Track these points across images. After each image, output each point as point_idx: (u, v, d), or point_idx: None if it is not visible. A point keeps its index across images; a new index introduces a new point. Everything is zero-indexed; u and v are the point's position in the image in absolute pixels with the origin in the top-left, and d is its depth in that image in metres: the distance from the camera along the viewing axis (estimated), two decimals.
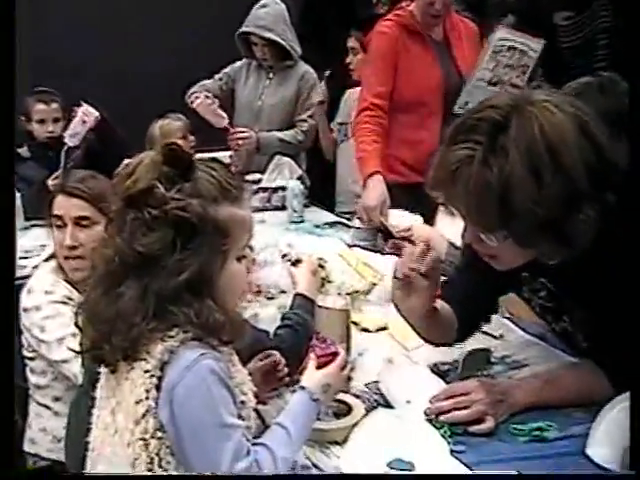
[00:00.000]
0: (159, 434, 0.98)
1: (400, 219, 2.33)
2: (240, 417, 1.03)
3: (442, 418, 1.29)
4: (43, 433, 1.78)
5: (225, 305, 1.03)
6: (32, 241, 2.35)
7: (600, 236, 1.12)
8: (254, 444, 1.03)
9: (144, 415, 0.98)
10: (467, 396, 1.30)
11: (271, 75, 3.23)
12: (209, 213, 1.00)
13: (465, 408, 1.29)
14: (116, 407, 1.03)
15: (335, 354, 1.22)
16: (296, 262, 1.78)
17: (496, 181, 1.06)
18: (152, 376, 0.98)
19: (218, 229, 1.01)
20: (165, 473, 0.98)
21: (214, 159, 1.09)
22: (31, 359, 1.78)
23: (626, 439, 1.07)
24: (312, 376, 1.17)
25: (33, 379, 1.80)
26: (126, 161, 1.06)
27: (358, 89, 3.01)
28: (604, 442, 1.19)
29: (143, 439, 0.98)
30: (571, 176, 1.05)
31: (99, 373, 1.11)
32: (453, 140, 1.12)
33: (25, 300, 1.72)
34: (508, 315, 1.81)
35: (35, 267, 1.88)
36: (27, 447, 1.79)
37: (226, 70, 3.30)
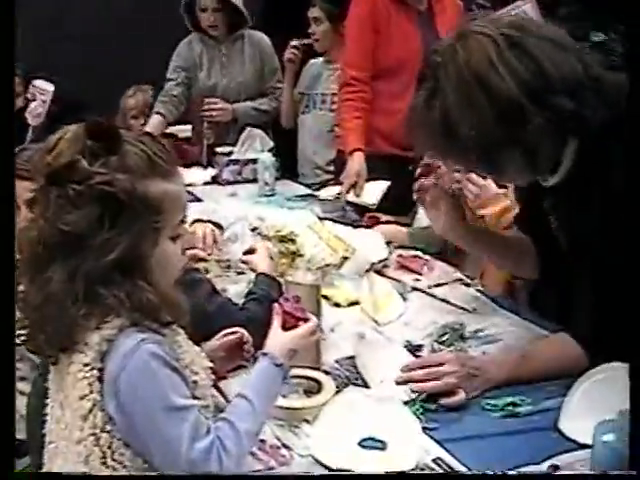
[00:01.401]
0: (108, 427, 0.95)
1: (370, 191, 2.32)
2: (195, 398, 1.00)
3: (413, 387, 1.28)
4: None
5: (159, 286, 0.98)
6: None
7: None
8: (215, 420, 1.00)
9: (91, 410, 0.95)
10: (440, 367, 1.29)
11: (223, 50, 3.11)
12: (138, 189, 0.96)
13: (436, 379, 1.28)
14: (64, 401, 1.00)
15: (305, 320, 1.17)
16: (249, 252, 1.76)
17: (439, 120, 1.18)
18: (92, 369, 0.94)
19: (148, 206, 0.97)
20: (120, 465, 0.95)
21: (145, 132, 1.03)
22: None
23: (599, 412, 1.06)
24: (276, 338, 1.12)
25: None
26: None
27: (320, 59, 2.98)
28: (577, 415, 1.18)
29: (93, 434, 0.95)
30: (503, 96, 1.12)
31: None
32: (415, 95, 1.23)
33: None
34: (481, 288, 1.80)
35: None
36: None
37: (175, 64, 3.10)
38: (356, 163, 2.39)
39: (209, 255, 1.87)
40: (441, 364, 1.30)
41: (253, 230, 2.06)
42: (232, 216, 2.15)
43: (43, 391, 1.08)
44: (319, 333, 1.19)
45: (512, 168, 1.20)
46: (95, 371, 0.94)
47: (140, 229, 0.96)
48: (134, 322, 0.96)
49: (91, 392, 0.94)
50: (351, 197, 2.37)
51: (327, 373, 1.39)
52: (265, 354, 1.10)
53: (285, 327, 1.15)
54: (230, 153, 2.95)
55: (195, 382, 1.02)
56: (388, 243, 2.01)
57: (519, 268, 1.57)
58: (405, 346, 1.50)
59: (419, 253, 1.93)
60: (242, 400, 1.04)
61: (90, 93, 3.27)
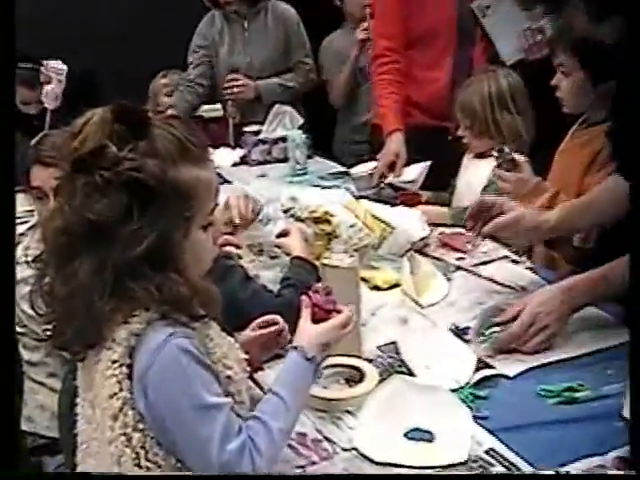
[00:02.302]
0: (140, 426, 0.93)
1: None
2: (228, 394, 0.98)
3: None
4: (40, 410, 1.74)
5: (190, 277, 0.97)
6: (19, 206, 2.28)
7: None
8: (247, 419, 0.98)
9: (121, 408, 0.93)
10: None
11: (245, 25, 3.03)
12: (168, 175, 0.94)
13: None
14: (94, 400, 0.98)
15: (337, 312, 1.14)
16: (283, 234, 1.72)
17: None
18: (121, 365, 0.93)
19: (179, 193, 0.95)
20: (154, 466, 0.93)
21: (174, 116, 1.01)
22: (22, 334, 1.72)
23: None
24: (306, 332, 1.09)
25: (26, 355, 1.74)
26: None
27: None
28: None
29: (124, 434, 0.93)
30: None
31: None
32: None
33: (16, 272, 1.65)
34: (531, 265, 1.74)
35: (21, 234, 1.80)
36: (25, 426, 1.74)
37: (195, 44, 3.05)
38: (394, 143, 2.34)
39: (252, 221, 1.84)
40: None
41: (286, 212, 2.01)
42: (263, 198, 2.12)
43: (73, 389, 1.06)
44: (352, 324, 1.16)
45: None
46: (124, 368, 0.93)
47: (171, 218, 0.94)
48: (164, 315, 0.95)
49: (121, 390, 0.93)
50: (390, 179, 2.32)
51: (369, 361, 1.36)
52: (295, 347, 1.07)
53: (315, 320, 1.12)
54: (258, 132, 2.91)
55: (229, 377, 1.00)
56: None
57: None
58: (450, 329, 1.46)
59: (462, 230, 1.88)
60: (273, 397, 1.01)
61: (109, 77, 3.28)
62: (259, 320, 1.27)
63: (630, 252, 1.13)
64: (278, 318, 1.26)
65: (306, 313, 1.13)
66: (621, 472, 0.98)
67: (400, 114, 2.40)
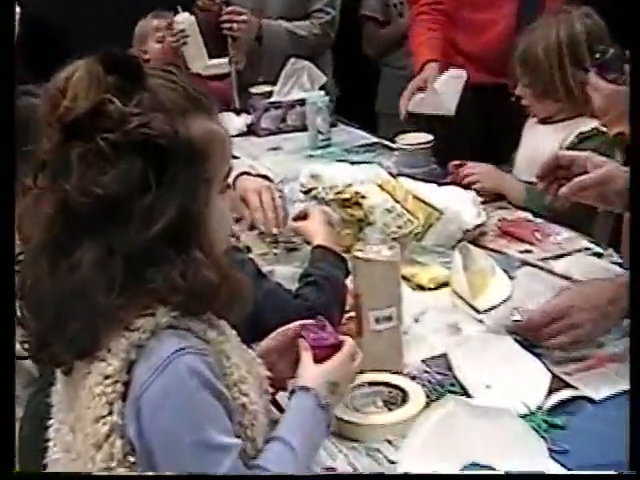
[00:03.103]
0: (130, 459, 0.93)
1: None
2: (240, 426, 0.99)
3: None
4: None
5: (217, 258, 0.98)
6: None
7: None
8: (250, 467, 0.98)
9: (108, 436, 0.93)
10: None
11: None
12: (180, 131, 0.95)
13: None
14: (76, 424, 0.98)
15: (337, 346, 1.18)
16: (300, 217, 1.73)
17: None
18: (115, 382, 0.93)
19: (195, 151, 0.96)
20: None
21: (169, 65, 1.03)
22: None
23: None
24: (310, 374, 1.13)
25: None
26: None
27: None
28: None
29: (108, 468, 0.93)
30: None
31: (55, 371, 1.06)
32: None
33: None
34: (618, 259, 1.74)
35: None
36: None
37: None
38: (427, 71, 2.36)
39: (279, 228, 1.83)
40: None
41: (306, 193, 2.02)
42: (276, 176, 2.12)
43: (43, 413, 1.07)
44: (360, 357, 1.19)
45: None
46: (118, 385, 0.93)
47: (190, 183, 0.95)
48: (184, 312, 0.95)
49: (110, 413, 0.93)
50: (415, 106, 2.32)
51: (413, 378, 1.37)
52: (306, 389, 1.09)
53: (317, 361, 1.16)
54: (270, 94, 2.89)
55: (243, 406, 1.00)
56: (485, 202, 1.95)
57: None
58: (516, 339, 1.46)
59: (528, 215, 1.87)
60: (280, 445, 1.03)
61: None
62: (281, 331, 1.27)
63: (631, 252, 1.16)
64: (288, 328, 1.26)
65: (307, 356, 1.16)
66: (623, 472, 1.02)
67: (437, 47, 2.42)
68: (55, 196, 0.94)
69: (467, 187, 2.02)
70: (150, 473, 0.93)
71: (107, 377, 0.93)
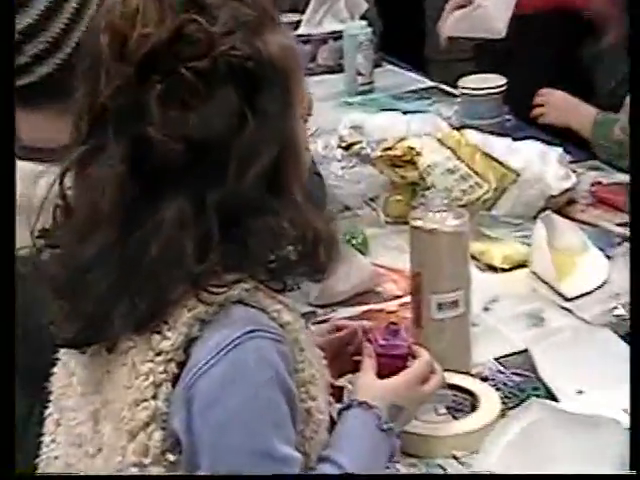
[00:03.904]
0: (170, 458, 0.95)
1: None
2: (302, 437, 1.01)
3: None
4: None
5: (312, 203, 1.02)
6: None
7: None
8: None
9: (147, 424, 0.95)
10: None
11: None
12: (260, 48, 0.97)
13: None
14: (102, 410, 1.00)
15: (407, 357, 1.20)
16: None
17: None
18: (169, 361, 0.95)
19: (277, 72, 0.98)
20: None
21: None
22: None
23: None
24: (372, 387, 1.15)
25: None
26: None
27: None
28: None
29: (140, 465, 0.94)
30: None
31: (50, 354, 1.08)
32: None
33: None
34: None
35: None
36: None
37: None
38: None
39: None
40: None
41: (346, 149, 2.03)
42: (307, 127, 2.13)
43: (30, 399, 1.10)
44: (438, 378, 1.20)
45: None
46: (172, 365, 0.95)
47: (280, 111, 0.98)
48: (275, 278, 0.98)
49: (154, 397, 0.94)
50: (455, 28, 2.35)
51: (484, 379, 1.38)
52: (366, 406, 1.11)
53: (382, 374, 1.18)
54: (297, 24, 2.90)
55: (309, 412, 1.02)
56: (576, 161, 1.95)
57: None
58: (615, 332, 1.47)
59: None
60: (334, 470, 1.04)
61: None
62: (337, 321, 1.33)
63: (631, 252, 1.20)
64: (351, 323, 1.31)
65: (369, 366, 1.18)
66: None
67: None
68: (125, 151, 0.95)
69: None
70: (151, 474, 0.95)
71: (160, 353, 0.95)
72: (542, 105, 2.14)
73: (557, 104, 2.13)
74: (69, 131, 1.08)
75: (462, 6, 2.42)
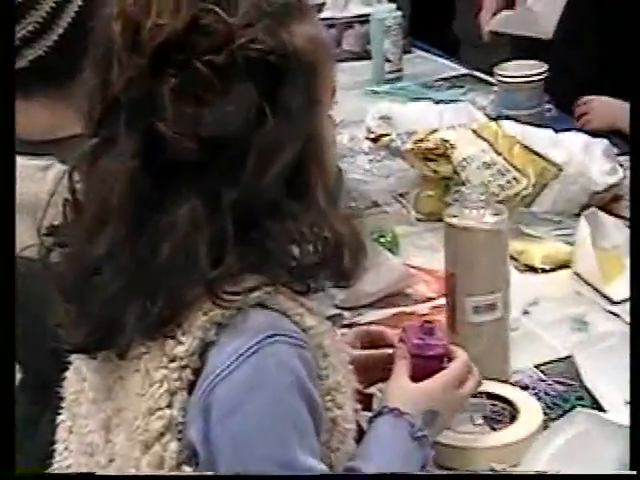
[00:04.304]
0: (186, 469, 0.95)
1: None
2: (327, 447, 1.02)
3: None
4: None
5: (338, 207, 1.02)
6: None
7: None
8: None
9: (162, 434, 0.95)
10: None
11: None
12: (285, 40, 0.97)
13: None
14: (114, 418, 1.01)
15: (443, 360, 1.20)
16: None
17: None
18: (184, 367, 0.95)
19: (302, 66, 0.98)
20: None
21: None
22: None
23: None
24: (405, 391, 1.16)
25: None
26: None
27: None
28: None
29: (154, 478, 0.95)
30: None
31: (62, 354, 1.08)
32: None
33: None
34: None
35: None
36: None
37: None
38: None
39: None
40: None
41: (374, 141, 2.04)
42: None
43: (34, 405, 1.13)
44: (475, 380, 1.21)
45: None
46: (187, 371, 0.95)
47: (304, 108, 0.98)
48: (296, 282, 0.99)
49: (169, 406, 0.95)
50: (501, 25, 2.35)
51: (524, 388, 1.39)
52: (398, 412, 1.12)
53: (416, 377, 1.18)
54: (320, 7, 2.87)
55: (334, 421, 1.02)
56: (624, 153, 1.94)
57: None
58: None
59: None
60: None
61: None
62: (360, 331, 1.32)
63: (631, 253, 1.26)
64: (387, 333, 1.31)
65: (401, 366, 1.18)
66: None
67: None
68: (137, 145, 0.95)
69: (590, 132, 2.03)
70: (153, 473, 0.96)
71: (174, 359, 0.95)
72: (586, 113, 2.16)
73: (601, 109, 2.16)
74: (66, 121, 1.08)
75: (507, 3, 2.42)
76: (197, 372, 0.96)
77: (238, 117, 0.94)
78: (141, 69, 0.95)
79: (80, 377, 1.08)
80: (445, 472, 1.23)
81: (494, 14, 2.40)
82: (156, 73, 0.94)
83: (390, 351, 1.26)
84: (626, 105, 2.10)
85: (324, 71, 1.02)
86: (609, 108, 2.15)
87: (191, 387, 0.96)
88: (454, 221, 1.41)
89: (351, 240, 1.01)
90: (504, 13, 2.41)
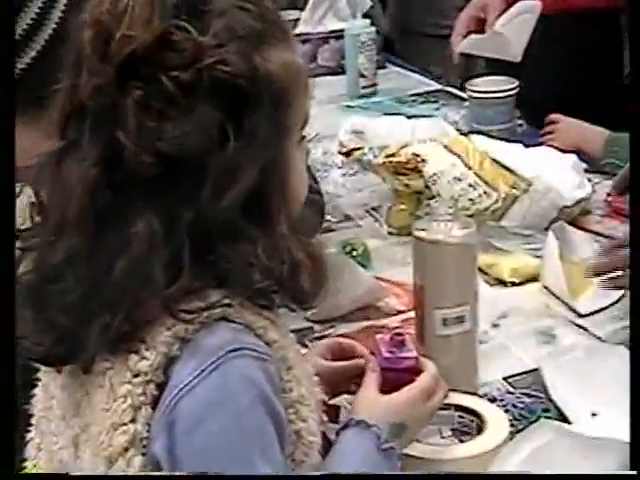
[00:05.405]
0: None
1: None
2: (292, 461, 1.01)
3: None
4: None
5: (298, 227, 1.02)
6: None
7: None
8: None
9: (125, 449, 0.95)
10: None
11: None
12: (258, 66, 0.96)
13: None
14: (81, 434, 1.00)
15: (415, 372, 1.20)
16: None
17: None
18: (148, 382, 0.95)
19: (274, 91, 0.97)
20: None
21: None
22: None
23: None
24: (373, 403, 1.16)
25: None
26: None
27: None
28: None
29: None
30: None
31: (31, 371, 1.08)
32: None
33: None
34: None
35: None
36: None
37: None
38: None
39: None
40: None
41: (346, 155, 2.04)
42: (307, 132, 2.14)
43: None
44: (442, 392, 1.21)
45: None
46: (151, 387, 0.95)
47: (271, 133, 0.97)
48: (252, 301, 0.98)
49: (133, 421, 0.95)
50: (470, 47, 2.36)
51: (492, 400, 1.39)
52: (365, 425, 1.12)
53: (386, 389, 1.19)
54: (296, 23, 2.92)
55: (298, 434, 1.02)
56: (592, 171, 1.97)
57: None
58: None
59: None
60: None
61: None
62: (331, 342, 1.33)
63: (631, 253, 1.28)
64: (358, 345, 1.31)
65: (372, 380, 1.19)
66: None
67: None
68: (99, 153, 0.95)
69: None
70: (151, 473, 0.95)
71: (138, 374, 0.95)
72: (552, 132, 2.18)
73: (567, 131, 2.17)
74: (42, 147, 1.08)
75: (478, 26, 2.42)
76: (161, 387, 0.95)
77: (199, 136, 0.94)
78: (108, 78, 0.94)
79: (48, 394, 1.07)
80: None
81: (464, 37, 2.40)
82: (122, 84, 0.94)
83: (361, 362, 1.26)
84: (593, 128, 2.13)
85: (296, 99, 1.01)
86: (575, 130, 2.16)
87: (155, 402, 0.95)
88: (422, 235, 1.41)
89: (311, 266, 1.00)
90: (473, 36, 2.41)
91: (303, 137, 1.06)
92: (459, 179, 1.85)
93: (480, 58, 2.58)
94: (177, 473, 0.94)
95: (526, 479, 1.19)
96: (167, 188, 0.95)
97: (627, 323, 1.55)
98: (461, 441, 1.30)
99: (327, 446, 1.12)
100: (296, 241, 0.99)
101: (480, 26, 2.39)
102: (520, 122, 2.29)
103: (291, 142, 1.02)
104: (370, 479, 1.11)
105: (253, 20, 0.98)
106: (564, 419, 1.34)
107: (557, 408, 1.36)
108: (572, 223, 1.83)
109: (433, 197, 1.81)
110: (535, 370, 1.45)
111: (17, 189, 1.18)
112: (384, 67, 2.84)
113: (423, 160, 1.86)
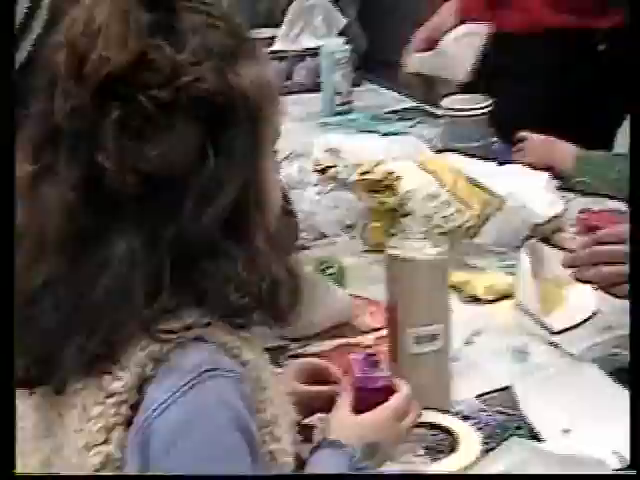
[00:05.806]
0: None
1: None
2: None
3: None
4: None
5: (277, 247, 1.02)
6: None
7: None
8: None
9: (98, 471, 0.94)
10: None
11: None
12: (232, 82, 0.97)
13: None
14: (54, 455, 1.00)
15: (388, 392, 1.21)
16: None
17: None
18: (121, 403, 0.94)
19: (248, 106, 0.98)
20: None
21: None
22: None
23: None
24: (345, 423, 1.18)
25: None
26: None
27: None
28: None
29: None
30: None
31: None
32: None
33: None
34: None
35: None
36: None
37: None
38: (443, 13, 2.43)
39: None
40: None
41: (321, 172, 2.04)
42: (281, 151, 2.14)
43: None
44: (413, 414, 1.23)
45: None
46: (124, 407, 0.94)
47: (247, 148, 0.98)
48: (229, 321, 0.98)
49: (106, 442, 0.94)
50: (416, 66, 2.38)
51: (465, 418, 1.38)
52: (337, 445, 1.12)
53: (361, 408, 1.20)
54: (272, 40, 2.92)
55: (272, 455, 1.02)
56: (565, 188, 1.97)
57: None
58: (603, 368, 1.48)
59: (621, 205, 1.87)
60: None
61: None
62: (305, 363, 1.34)
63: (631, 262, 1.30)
64: (332, 368, 1.32)
65: (344, 399, 1.20)
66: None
67: None
68: (77, 176, 0.95)
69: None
70: (150, 473, 0.95)
71: (111, 395, 0.95)
72: (522, 149, 2.19)
73: (537, 149, 2.17)
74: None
75: (431, 47, 2.44)
76: (135, 407, 0.95)
77: (179, 154, 0.94)
78: (84, 100, 0.94)
79: (21, 415, 1.06)
80: None
81: None
82: (99, 105, 0.94)
83: (336, 388, 1.26)
84: (562, 145, 2.14)
85: (269, 114, 1.02)
86: (543, 147, 2.16)
87: (129, 423, 0.95)
88: (395, 252, 1.42)
89: (288, 283, 1.01)
90: (418, 55, 2.43)
91: (275, 151, 1.06)
92: (433, 196, 1.85)
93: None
94: (173, 473, 0.93)
95: (524, 479, 1.19)
96: (148, 207, 0.95)
97: (599, 340, 1.57)
98: (434, 459, 1.30)
99: (301, 466, 1.12)
100: (275, 257, 1.00)
101: (433, 47, 2.42)
102: (494, 139, 2.29)
103: (266, 157, 1.02)
104: (367, 479, 1.12)
105: (225, 37, 0.99)
106: (536, 436, 1.34)
107: (529, 426, 1.36)
108: (545, 240, 1.81)
109: (407, 214, 1.82)
110: (507, 388, 1.45)
111: None
112: (360, 84, 2.84)
113: (397, 178, 1.86)
